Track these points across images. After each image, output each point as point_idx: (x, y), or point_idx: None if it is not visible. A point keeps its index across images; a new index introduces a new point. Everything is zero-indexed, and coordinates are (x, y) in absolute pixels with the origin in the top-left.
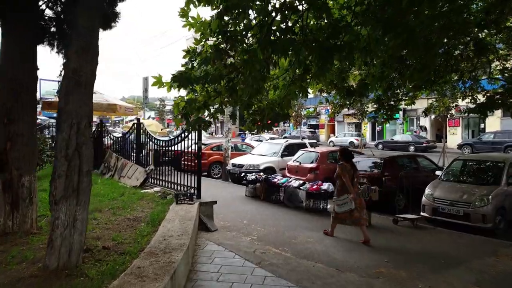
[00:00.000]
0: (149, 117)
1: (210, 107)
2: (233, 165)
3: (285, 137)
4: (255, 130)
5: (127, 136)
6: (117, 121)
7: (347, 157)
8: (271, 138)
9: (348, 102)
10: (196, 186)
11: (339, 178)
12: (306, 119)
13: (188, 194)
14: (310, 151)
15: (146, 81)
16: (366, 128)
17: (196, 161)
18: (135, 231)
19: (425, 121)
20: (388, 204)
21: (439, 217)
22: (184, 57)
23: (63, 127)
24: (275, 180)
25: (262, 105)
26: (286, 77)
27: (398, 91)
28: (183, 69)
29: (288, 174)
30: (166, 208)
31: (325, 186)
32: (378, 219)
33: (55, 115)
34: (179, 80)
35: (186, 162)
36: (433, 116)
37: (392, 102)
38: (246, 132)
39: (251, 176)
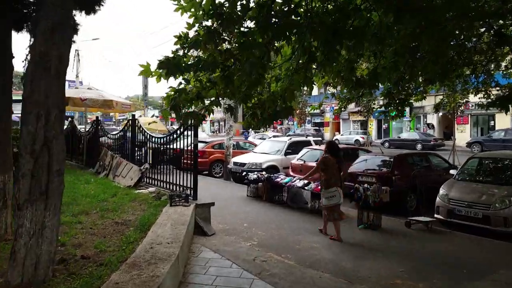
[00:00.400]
0: (153, 115)
1: (205, 99)
2: (235, 163)
3: (288, 135)
4: (254, 125)
5: (121, 134)
6: (121, 120)
7: (333, 151)
8: (274, 136)
9: (356, 96)
10: (192, 186)
11: (323, 171)
12: (311, 117)
13: (183, 196)
14: (315, 149)
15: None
16: (372, 126)
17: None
18: (121, 237)
19: (433, 119)
20: (399, 204)
21: (455, 220)
22: (176, 43)
23: (28, 119)
24: (278, 179)
25: (263, 97)
26: (289, 66)
27: (409, 84)
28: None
29: (292, 173)
30: (159, 210)
31: None
32: (388, 222)
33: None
34: (166, 66)
35: (186, 161)
36: (440, 113)
37: (402, 96)
38: (249, 130)
39: (252, 175)
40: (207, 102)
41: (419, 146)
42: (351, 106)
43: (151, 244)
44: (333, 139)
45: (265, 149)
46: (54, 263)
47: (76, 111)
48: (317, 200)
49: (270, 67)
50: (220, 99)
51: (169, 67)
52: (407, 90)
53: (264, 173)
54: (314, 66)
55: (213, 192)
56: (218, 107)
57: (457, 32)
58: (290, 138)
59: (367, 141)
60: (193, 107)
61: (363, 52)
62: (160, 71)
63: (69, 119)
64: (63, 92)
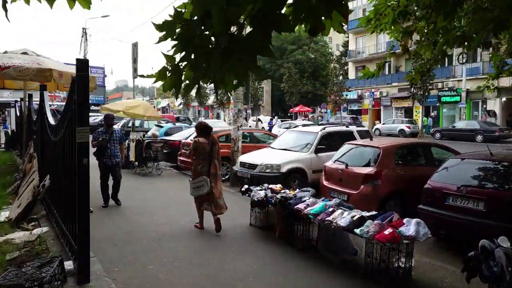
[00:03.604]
0: (180, 104)
1: None
2: (242, 164)
3: (321, 124)
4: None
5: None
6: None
7: (205, 133)
8: (303, 126)
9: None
10: (79, 247)
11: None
12: (347, 103)
13: (38, 281)
14: (364, 145)
15: (135, 48)
16: (419, 113)
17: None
18: None
19: (494, 105)
20: None
21: None
22: None
23: None
24: (301, 205)
25: None
26: None
27: None
28: None
29: (325, 183)
30: None
31: (410, 228)
32: None
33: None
34: None
35: (182, 158)
36: (504, 98)
37: None
38: (274, 118)
39: (258, 193)
40: None
41: (479, 138)
42: (394, 91)
43: None
44: (373, 129)
45: (287, 143)
46: None
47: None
48: (377, 252)
49: None
50: None
51: None
52: None
53: (277, 188)
54: None
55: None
56: None
57: None
58: (324, 128)
59: (422, 131)
60: None
61: None
62: None
63: (19, 103)
64: None
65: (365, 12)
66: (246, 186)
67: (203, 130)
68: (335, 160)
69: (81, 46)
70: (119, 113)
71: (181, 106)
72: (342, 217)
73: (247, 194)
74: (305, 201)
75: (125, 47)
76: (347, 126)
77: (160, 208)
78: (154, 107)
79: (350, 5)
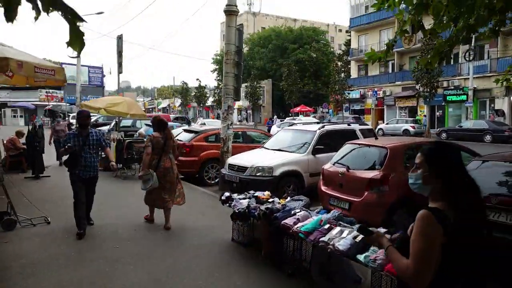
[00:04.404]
0: (180, 104)
1: None
2: (230, 167)
3: (321, 123)
4: None
5: None
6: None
7: (159, 126)
8: (303, 124)
9: None
10: None
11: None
12: (349, 103)
13: None
14: (368, 145)
15: (120, 41)
16: (422, 113)
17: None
18: None
19: (503, 104)
20: None
21: None
22: None
23: None
24: (289, 220)
25: None
26: None
27: None
28: None
29: (324, 189)
30: None
31: None
32: None
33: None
34: None
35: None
36: None
37: None
38: (273, 118)
39: (240, 203)
40: None
41: (488, 138)
42: (398, 90)
43: None
44: (376, 129)
45: (282, 143)
46: None
47: None
48: (389, 285)
49: None
50: None
51: None
52: None
53: (265, 195)
54: None
55: (176, 227)
56: None
57: None
58: (323, 126)
59: (428, 131)
60: None
61: None
62: None
63: None
64: None
65: (367, 9)
66: (226, 194)
67: (159, 124)
68: (335, 162)
69: None
70: (100, 111)
71: (181, 106)
72: (341, 238)
73: (227, 204)
74: (295, 214)
75: (126, 46)
76: (348, 124)
77: (133, 219)
78: (154, 107)
79: (352, 2)
